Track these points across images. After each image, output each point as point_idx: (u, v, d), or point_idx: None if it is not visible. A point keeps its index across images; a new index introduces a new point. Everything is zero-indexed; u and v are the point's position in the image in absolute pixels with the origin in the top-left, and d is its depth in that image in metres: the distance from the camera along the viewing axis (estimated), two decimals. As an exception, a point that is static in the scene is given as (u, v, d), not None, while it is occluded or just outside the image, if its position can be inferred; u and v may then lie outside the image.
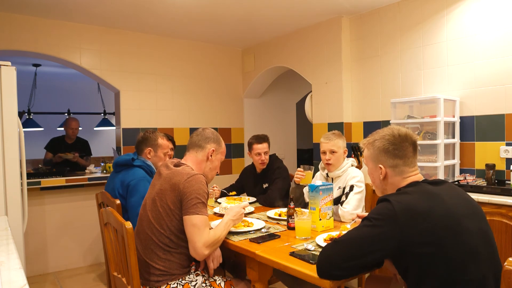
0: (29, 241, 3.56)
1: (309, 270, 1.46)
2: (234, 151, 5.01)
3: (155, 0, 3.30)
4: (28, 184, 3.36)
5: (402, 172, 1.44)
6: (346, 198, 2.34)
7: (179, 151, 4.06)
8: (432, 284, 1.22)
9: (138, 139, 2.76)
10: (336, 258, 1.32)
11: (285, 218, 2.18)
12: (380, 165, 1.47)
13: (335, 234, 1.83)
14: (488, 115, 2.88)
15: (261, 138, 3.02)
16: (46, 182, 3.61)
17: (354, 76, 3.82)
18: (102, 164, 4.20)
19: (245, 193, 3.28)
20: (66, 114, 5.98)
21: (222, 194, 3.12)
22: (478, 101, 2.93)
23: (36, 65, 5.75)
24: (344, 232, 1.83)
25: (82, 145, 4.67)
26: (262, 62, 4.78)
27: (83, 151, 4.63)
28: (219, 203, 2.83)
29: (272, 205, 2.77)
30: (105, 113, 6.38)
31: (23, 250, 2.48)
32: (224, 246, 1.91)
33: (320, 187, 2.04)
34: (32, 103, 5.95)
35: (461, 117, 3.02)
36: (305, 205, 2.67)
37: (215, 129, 2.00)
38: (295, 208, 2.14)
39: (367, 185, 2.51)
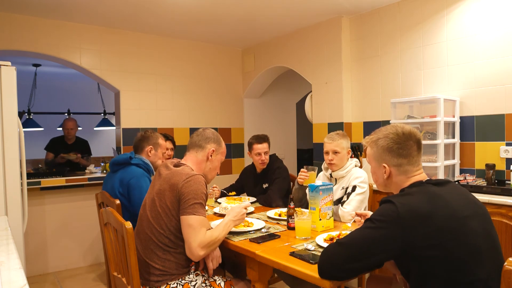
0: (29, 241, 3.56)
1: (309, 270, 1.46)
2: (234, 151, 5.01)
3: (155, 0, 3.30)
4: (28, 184, 3.36)
5: (406, 172, 1.42)
6: (347, 198, 2.33)
7: (179, 151, 4.06)
8: (435, 285, 1.22)
9: (138, 138, 2.79)
10: (338, 259, 1.31)
11: (285, 218, 2.18)
12: (384, 164, 1.44)
13: (335, 234, 1.83)
14: (488, 115, 2.88)
15: (261, 138, 3.02)
16: (46, 182, 3.61)
17: (354, 76, 3.82)
18: (102, 164, 4.20)
19: (245, 193, 3.28)
20: (66, 114, 5.97)
21: (222, 194, 3.13)
22: (478, 101, 2.93)
23: (36, 65, 5.75)
24: (344, 233, 1.84)
25: (82, 145, 4.67)
26: (262, 62, 4.78)
27: (84, 151, 4.63)
28: (219, 203, 2.83)
29: (272, 205, 2.77)
30: (105, 113, 6.37)
31: (23, 250, 2.48)
32: (224, 246, 1.91)
33: (320, 187, 2.04)
34: (32, 103, 5.95)
35: (461, 117, 3.02)
36: (307, 206, 2.66)
37: (215, 129, 2.00)
38: (295, 208, 2.14)
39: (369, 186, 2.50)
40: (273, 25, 4.09)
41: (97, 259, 3.99)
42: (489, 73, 2.86)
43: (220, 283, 1.84)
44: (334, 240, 1.70)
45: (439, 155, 2.83)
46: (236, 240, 1.89)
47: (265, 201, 2.83)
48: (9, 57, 4.53)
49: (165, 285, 1.75)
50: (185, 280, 1.79)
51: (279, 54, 4.53)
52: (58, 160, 4.34)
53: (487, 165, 2.72)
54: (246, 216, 2.31)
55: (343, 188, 2.44)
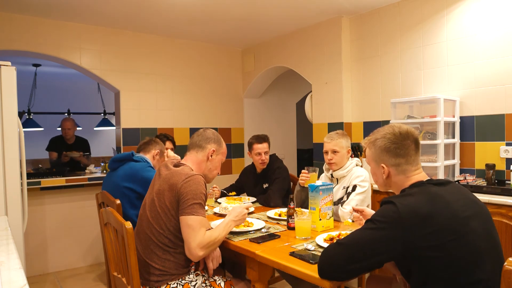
0: (29, 241, 3.56)
1: (309, 270, 1.46)
2: (234, 151, 5.01)
3: (155, 0, 3.30)
4: (28, 184, 3.36)
5: (405, 171, 1.42)
6: (347, 198, 2.33)
7: (179, 151, 4.06)
8: (436, 286, 1.21)
9: (146, 140, 2.87)
10: (338, 260, 1.31)
11: (285, 218, 2.18)
12: (383, 164, 1.45)
13: (335, 234, 1.83)
14: (488, 115, 2.88)
15: (261, 138, 3.02)
16: (46, 182, 3.61)
17: (354, 76, 3.82)
18: (102, 164, 4.20)
19: (245, 193, 3.28)
20: (66, 114, 5.97)
21: (222, 194, 3.13)
22: (478, 101, 2.93)
23: (36, 65, 5.75)
24: (344, 233, 1.84)
25: (83, 144, 4.67)
26: (262, 62, 4.78)
27: (84, 150, 4.64)
28: (219, 203, 2.83)
29: (272, 205, 2.77)
30: (105, 113, 6.38)
31: (23, 250, 2.48)
32: (224, 246, 1.91)
33: (320, 187, 2.04)
34: (32, 103, 5.95)
35: (461, 117, 3.02)
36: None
37: (215, 129, 2.01)
38: (295, 208, 2.14)
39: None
40: (273, 25, 4.09)
41: (97, 259, 3.99)
42: (489, 73, 2.86)
43: (220, 283, 1.84)
44: (334, 240, 1.70)
45: (439, 155, 2.83)
46: (236, 240, 1.89)
47: (265, 201, 2.83)
48: (9, 57, 4.53)
49: (165, 285, 1.75)
50: (185, 280, 1.79)
51: (279, 54, 4.53)
52: (63, 158, 4.35)
53: (487, 165, 2.72)
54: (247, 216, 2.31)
55: (344, 187, 2.44)
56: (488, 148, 2.89)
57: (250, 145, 3.04)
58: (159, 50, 4.38)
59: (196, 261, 1.81)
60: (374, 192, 2.78)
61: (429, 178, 1.43)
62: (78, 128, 4.97)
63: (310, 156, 4.74)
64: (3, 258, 1.42)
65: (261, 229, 2.09)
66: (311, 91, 4.18)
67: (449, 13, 3.07)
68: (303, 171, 2.58)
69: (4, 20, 3.49)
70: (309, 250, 1.69)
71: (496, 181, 2.72)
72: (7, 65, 2.36)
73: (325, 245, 1.69)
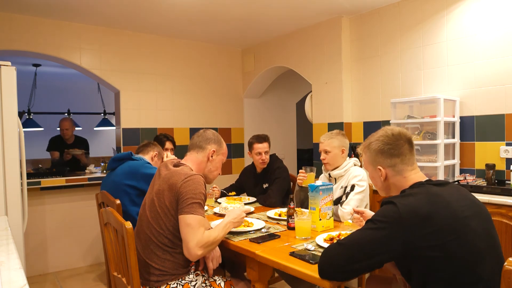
0: (29, 241, 3.56)
1: (309, 270, 1.46)
2: (234, 151, 5.01)
3: (155, 0, 3.30)
4: (28, 184, 3.36)
5: (401, 171, 1.43)
6: (346, 198, 2.33)
7: (179, 151, 4.06)
8: (436, 286, 1.22)
9: (145, 142, 2.93)
10: (339, 260, 1.31)
11: (285, 218, 2.18)
12: (379, 167, 1.46)
13: (335, 234, 1.83)
14: (488, 115, 2.88)
15: (262, 138, 3.02)
16: (46, 182, 3.61)
17: (354, 76, 3.82)
18: (102, 164, 4.20)
19: (245, 193, 3.28)
20: (66, 114, 5.98)
21: (222, 194, 3.13)
22: (478, 101, 2.93)
23: (36, 65, 5.75)
24: (344, 233, 1.84)
25: (82, 144, 4.67)
26: (262, 62, 4.78)
27: (84, 149, 4.63)
28: (219, 203, 2.83)
29: (272, 205, 2.77)
30: (105, 113, 6.38)
31: (23, 250, 2.48)
32: (224, 246, 1.91)
33: (320, 187, 2.04)
34: (32, 103, 5.95)
35: (461, 117, 3.02)
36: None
37: (215, 129, 2.01)
38: (295, 208, 2.14)
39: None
40: (273, 25, 4.09)
41: (97, 259, 3.99)
42: (489, 73, 2.86)
43: (220, 283, 1.84)
44: (334, 240, 1.70)
45: (439, 155, 2.83)
46: (236, 240, 1.89)
47: (265, 201, 2.83)
48: (9, 57, 4.53)
49: (165, 285, 1.75)
50: (185, 280, 1.79)
51: (279, 54, 4.53)
52: (66, 156, 4.35)
53: (487, 165, 2.72)
54: (246, 216, 2.31)
55: (342, 187, 2.44)
56: (488, 148, 2.89)
57: (251, 145, 3.04)
58: (159, 50, 4.38)
59: (195, 261, 1.81)
60: (374, 192, 2.78)
61: (428, 178, 1.43)
62: (78, 128, 4.97)
63: (310, 156, 4.74)
64: (3, 258, 1.42)
65: (261, 229, 2.09)
66: (311, 91, 4.18)
67: (449, 13, 3.07)
68: (300, 171, 2.60)
69: (4, 20, 3.49)
70: (309, 250, 1.69)
71: (496, 181, 2.72)
72: (7, 65, 2.36)
73: (325, 245, 1.69)
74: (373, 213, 1.73)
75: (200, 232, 1.70)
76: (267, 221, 2.31)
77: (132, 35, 4.19)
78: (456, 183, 2.72)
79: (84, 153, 4.48)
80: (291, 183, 3.16)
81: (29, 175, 3.58)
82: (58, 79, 6.62)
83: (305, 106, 4.25)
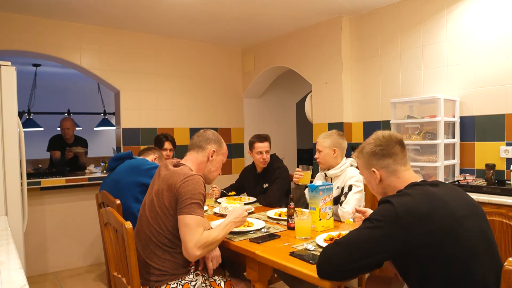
0: (29, 241, 3.56)
1: (309, 270, 1.46)
2: (234, 151, 5.01)
3: (155, 0, 3.30)
4: (28, 184, 3.36)
5: (395, 172, 1.46)
6: (345, 198, 2.34)
7: (179, 151, 4.06)
8: (434, 285, 1.22)
9: (147, 147, 3.00)
10: (337, 259, 1.31)
11: (285, 218, 2.18)
12: (373, 169, 1.49)
13: (335, 234, 1.83)
14: (488, 115, 2.88)
15: (263, 137, 3.03)
16: (46, 182, 3.61)
17: (354, 76, 3.82)
18: (102, 164, 4.20)
19: (245, 193, 3.28)
20: (66, 114, 5.98)
21: (222, 194, 3.13)
22: (478, 101, 2.93)
23: (36, 65, 5.75)
24: (344, 233, 1.84)
25: (82, 144, 4.66)
26: (262, 62, 4.78)
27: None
28: (219, 203, 2.83)
29: (272, 205, 2.77)
30: (105, 113, 6.38)
31: (23, 250, 2.48)
32: (224, 246, 1.91)
33: (320, 187, 2.04)
34: (32, 103, 5.95)
35: (461, 117, 3.02)
36: (306, 206, 2.67)
37: (215, 129, 2.02)
38: (295, 208, 2.14)
39: (366, 185, 2.51)
40: (273, 25, 4.09)
41: (97, 259, 3.99)
42: (489, 73, 2.86)
43: (220, 283, 1.84)
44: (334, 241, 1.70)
45: (439, 155, 2.83)
46: (236, 240, 1.89)
47: (265, 201, 2.83)
48: (9, 57, 4.53)
49: (165, 285, 1.75)
50: (185, 280, 1.79)
51: (279, 54, 4.53)
52: (67, 155, 4.35)
53: (487, 165, 2.72)
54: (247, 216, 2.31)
55: (338, 187, 2.45)
56: (488, 148, 2.89)
57: (251, 144, 3.04)
58: (159, 50, 4.38)
59: (194, 261, 1.81)
60: (374, 192, 2.78)
61: (422, 179, 1.45)
62: (78, 128, 4.97)
63: (310, 156, 4.74)
64: (3, 258, 1.42)
65: (261, 229, 2.09)
66: (311, 91, 4.18)
67: (449, 13, 3.07)
68: (297, 169, 2.63)
69: (4, 20, 3.49)
70: (309, 250, 1.69)
71: (496, 181, 2.72)
72: (7, 65, 2.36)
73: (325, 245, 1.69)
74: None
75: (198, 233, 1.70)
76: (267, 221, 2.31)
77: (132, 35, 4.19)
78: (456, 183, 2.72)
79: (85, 151, 4.50)
80: (291, 183, 3.16)
81: (29, 175, 3.58)
82: (58, 79, 6.62)
83: (305, 106, 4.25)
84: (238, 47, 5.03)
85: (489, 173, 2.69)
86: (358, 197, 2.32)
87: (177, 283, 1.76)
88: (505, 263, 1.06)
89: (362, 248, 1.27)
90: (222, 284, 1.84)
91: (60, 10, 3.51)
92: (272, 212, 2.44)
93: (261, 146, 3.00)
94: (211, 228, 1.85)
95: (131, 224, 1.65)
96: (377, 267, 1.42)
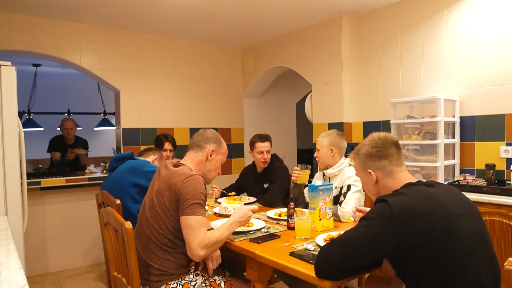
0: (29, 241, 3.56)
1: (309, 270, 1.45)
2: (234, 151, 5.01)
3: (155, 0, 3.30)
4: (28, 184, 3.36)
5: (391, 173, 1.48)
6: (344, 198, 2.34)
7: (179, 151, 4.06)
8: (430, 285, 1.23)
9: (147, 148, 3.01)
10: (334, 259, 1.32)
11: (285, 218, 2.18)
12: (369, 170, 1.51)
13: (335, 234, 1.83)
14: (488, 115, 2.88)
15: (264, 137, 3.03)
16: (46, 182, 3.61)
17: (354, 76, 3.82)
18: (102, 164, 4.20)
19: (245, 193, 3.28)
20: (66, 114, 5.98)
21: (222, 195, 3.13)
22: (478, 101, 2.93)
23: (36, 65, 5.75)
24: (343, 232, 1.84)
25: (83, 144, 4.67)
26: (262, 62, 4.78)
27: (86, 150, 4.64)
28: (219, 203, 2.83)
29: (272, 205, 2.77)
30: (105, 113, 6.37)
31: (23, 250, 2.48)
32: (224, 246, 1.91)
33: (320, 187, 2.04)
34: (32, 103, 5.95)
35: (461, 117, 3.02)
36: (305, 205, 2.68)
37: (215, 129, 2.02)
38: (295, 208, 2.14)
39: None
40: (273, 25, 4.09)
41: (97, 259, 3.99)
42: (489, 73, 2.86)
43: (220, 283, 1.84)
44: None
45: (439, 155, 2.83)
46: (236, 240, 1.89)
47: (265, 201, 2.83)
48: (9, 57, 4.53)
49: (165, 285, 1.75)
50: (185, 280, 1.79)
51: (279, 54, 4.53)
52: (68, 156, 4.34)
53: (487, 165, 2.72)
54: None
55: (336, 187, 2.46)
56: (488, 148, 2.89)
57: (252, 144, 3.04)
58: (159, 50, 4.38)
59: (197, 261, 1.81)
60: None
61: (418, 180, 1.47)
62: (78, 128, 4.97)
63: (310, 156, 4.74)
64: (3, 258, 1.42)
65: (261, 229, 2.09)
66: (311, 91, 4.18)
67: (449, 13, 3.07)
68: (295, 168, 2.64)
69: (4, 20, 3.49)
70: (309, 250, 1.69)
71: (496, 181, 2.72)
72: (7, 65, 2.36)
73: (325, 245, 1.69)
74: None
75: (201, 233, 1.70)
76: (267, 221, 2.31)
77: (132, 35, 4.19)
78: (456, 183, 2.72)
79: (87, 153, 4.50)
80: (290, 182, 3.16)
81: (29, 175, 3.58)
82: (58, 79, 6.62)
83: (305, 106, 4.25)
84: (238, 47, 5.03)
85: (489, 173, 2.69)
86: (357, 197, 2.33)
87: (177, 283, 1.76)
88: (505, 263, 1.06)
89: (358, 246, 1.29)
90: (222, 284, 1.84)
91: (60, 10, 3.51)
92: (272, 212, 2.44)
93: (262, 146, 3.00)
94: (211, 228, 1.85)
95: (131, 224, 1.65)
96: (376, 267, 1.42)
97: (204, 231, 1.72)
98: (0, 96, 2.32)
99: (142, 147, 3.35)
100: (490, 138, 2.87)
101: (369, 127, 3.68)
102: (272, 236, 1.94)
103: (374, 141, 1.52)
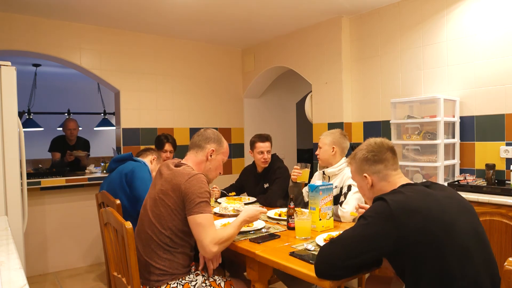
0: (29, 241, 3.56)
1: (309, 270, 1.46)
2: (234, 151, 5.01)
3: (155, 0, 3.30)
4: (28, 184, 3.36)
5: (386, 177, 1.50)
6: (345, 198, 2.34)
7: (179, 151, 4.06)
8: (429, 283, 1.23)
9: (145, 148, 3.01)
10: (333, 258, 1.33)
11: (285, 218, 2.18)
12: (365, 174, 1.53)
13: (335, 234, 1.83)
14: (488, 115, 2.88)
15: (264, 137, 3.03)
16: (46, 182, 3.61)
17: (354, 76, 3.82)
18: (102, 164, 4.20)
19: (245, 193, 3.28)
20: (66, 114, 5.98)
21: (222, 195, 3.13)
22: (478, 101, 2.93)
23: (36, 65, 5.75)
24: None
25: (85, 145, 4.66)
26: (262, 62, 4.78)
27: (87, 150, 4.63)
28: (219, 203, 2.83)
29: (273, 205, 2.77)
30: (105, 113, 6.37)
31: (23, 250, 2.48)
32: (224, 246, 1.91)
33: (320, 187, 2.04)
34: (32, 103, 5.95)
35: (461, 117, 3.02)
36: (304, 204, 2.68)
37: (215, 129, 2.02)
38: (295, 208, 2.14)
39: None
40: (273, 25, 4.09)
41: (97, 259, 3.99)
42: (489, 73, 2.86)
43: (220, 283, 1.84)
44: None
45: (439, 155, 2.83)
46: (236, 240, 1.89)
47: (266, 201, 2.84)
48: (9, 57, 4.53)
49: (165, 285, 1.75)
50: (185, 280, 1.79)
51: (279, 54, 4.53)
52: (67, 158, 4.34)
53: (487, 165, 2.72)
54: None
55: (336, 187, 2.46)
56: (488, 148, 2.89)
57: (253, 144, 3.05)
58: (159, 50, 4.38)
59: (210, 258, 1.82)
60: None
61: (413, 182, 1.49)
62: (79, 129, 4.97)
63: (310, 156, 4.74)
64: (3, 258, 1.42)
65: (261, 229, 2.09)
66: (311, 91, 4.18)
67: (449, 13, 3.07)
68: (295, 166, 2.64)
69: (4, 20, 3.49)
70: (309, 250, 1.69)
71: (496, 181, 2.72)
72: (7, 65, 2.36)
73: (325, 245, 1.70)
74: None
75: (212, 229, 1.71)
76: (267, 221, 2.32)
77: (132, 35, 4.19)
78: (456, 183, 2.72)
79: (87, 154, 4.49)
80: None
81: (29, 175, 3.58)
82: (58, 79, 6.62)
83: (305, 106, 4.25)
84: (238, 47, 5.03)
85: (489, 173, 2.69)
86: (358, 197, 2.32)
87: (177, 283, 1.76)
88: (505, 263, 1.06)
89: (357, 245, 1.29)
90: (222, 284, 1.84)
91: (60, 10, 3.51)
92: (272, 212, 2.44)
93: (262, 146, 3.00)
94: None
95: (131, 224, 1.65)
96: (375, 266, 1.42)
97: (215, 228, 1.74)
98: (0, 96, 2.32)
99: (142, 147, 3.35)
100: (490, 138, 2.87)
101: (369, 127, 3.67)
102: (272, 236, 1.94)
103: (370, 146, 1.56)
